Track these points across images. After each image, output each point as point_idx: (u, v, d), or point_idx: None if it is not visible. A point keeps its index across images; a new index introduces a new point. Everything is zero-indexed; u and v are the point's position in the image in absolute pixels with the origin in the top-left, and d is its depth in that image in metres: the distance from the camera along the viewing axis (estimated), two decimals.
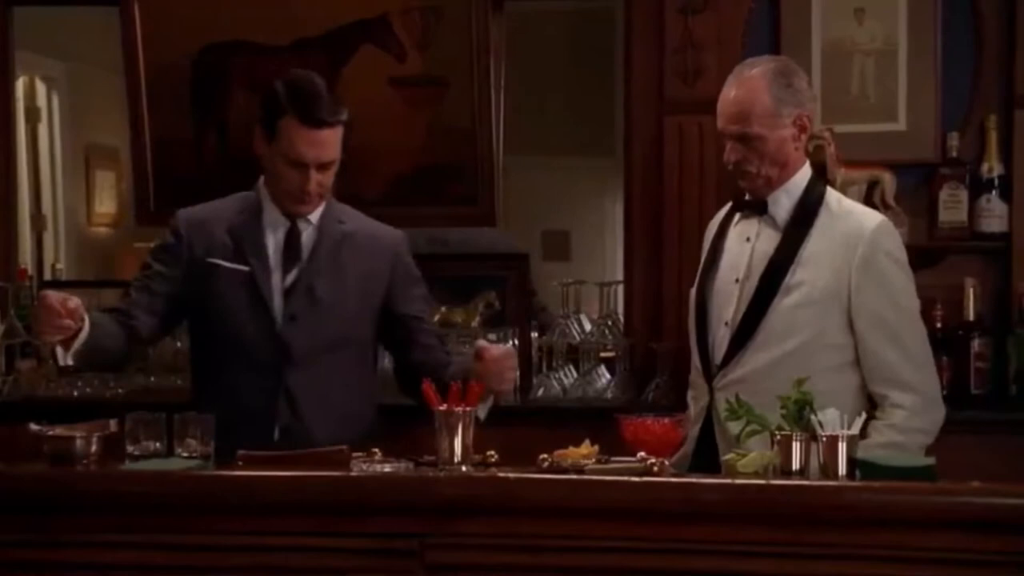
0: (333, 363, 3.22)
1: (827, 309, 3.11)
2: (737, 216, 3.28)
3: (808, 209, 3.18)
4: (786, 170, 3.18)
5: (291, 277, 3.23)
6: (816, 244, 3.14)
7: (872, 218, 3.19)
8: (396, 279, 3.32)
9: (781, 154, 3.15)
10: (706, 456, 3.11)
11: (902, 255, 3.17)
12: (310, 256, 3.24)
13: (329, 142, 3.14)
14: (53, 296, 2.93)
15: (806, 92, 3.20)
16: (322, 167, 3.15)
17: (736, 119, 3.13)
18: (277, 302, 3.22)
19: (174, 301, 3.27)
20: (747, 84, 3.15)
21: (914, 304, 3.17)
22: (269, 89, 3.22)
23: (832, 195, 3.24)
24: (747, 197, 3.24)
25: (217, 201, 3.35)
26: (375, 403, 3.38)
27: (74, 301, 2.94)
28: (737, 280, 3.20)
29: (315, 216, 3.26)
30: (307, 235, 3.26)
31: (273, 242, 3.25)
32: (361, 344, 3.32)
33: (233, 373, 3.22)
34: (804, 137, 3.19)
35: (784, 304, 3.12)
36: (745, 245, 3.22)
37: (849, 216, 3.17)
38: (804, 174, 3.22)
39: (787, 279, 3.13)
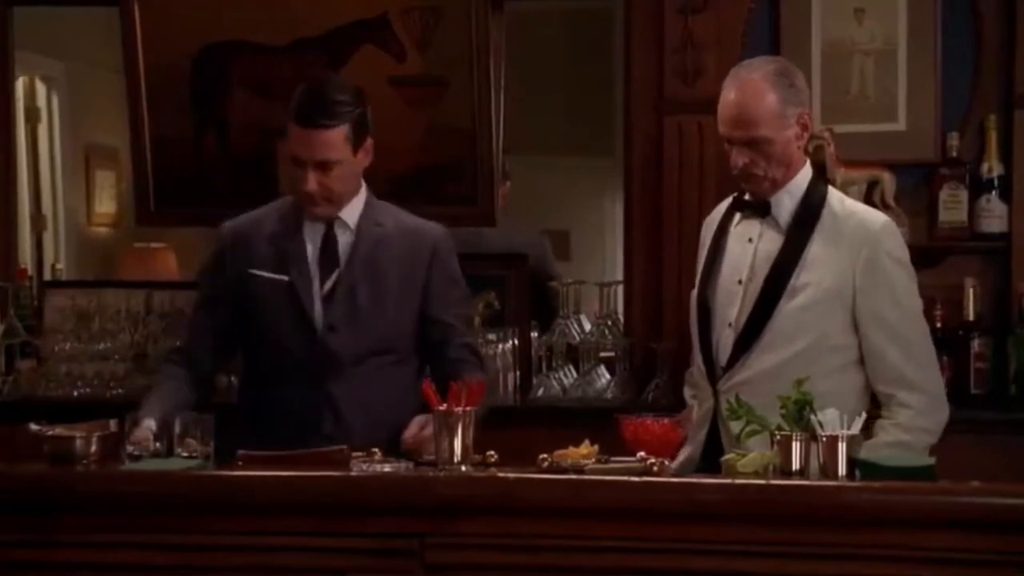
0: (376, 370, 3.21)
1: (831, 310, 3.11)
2: (738, 216, 3.27)
3: (811, 210, 3.17)
4: (790, 171, 3.18)
5: (329, 283, 3.22)
6: (820, 245, 3.14)
7: (876, 219, 3.19)
8: (432, 279, 3.27)
9: (787, 155, 3.15)
10: (713, 459, 3.09)
11: (905, 256, 3.17)
12: (348, 261, 3.23)
13: (323, 143, 3.13)
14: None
15: (805, 91, 3.20)
16: (320, 168, 3.14)
17: (742, 123, 3.11)
18: (317, 310, 3.21)
19: (231, 326, 3.30)
20: (750, 87, 3.13)
21: (917, 304, 3.18)
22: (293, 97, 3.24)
23: (834, 195, 3.23)
24: (748, 197, 3.24)
25: (261, 209, 3.36)
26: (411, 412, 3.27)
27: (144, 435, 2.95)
28: (740, 281, 3.19)
29: (352, 219, 3.25)
30: (344, 239, 3.25)
31: (312, 248, 3.25)
32: (404, 349, 3.28)
33: (278, 381, 3.22)
34: (806, 136, 3.19)
35: (790, 306, 3.12)
36: (747, 246, 3.21)
37: (852, 217, 3.17)
38: (805, 174, 3.21)
39: (792, 281, 3.13)
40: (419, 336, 3.29)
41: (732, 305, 3.19)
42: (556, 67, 6.96)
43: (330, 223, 3.24)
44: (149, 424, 2.96)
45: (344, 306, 3.21)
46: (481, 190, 4.42)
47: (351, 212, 3.26)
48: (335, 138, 3.14)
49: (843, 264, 3.11)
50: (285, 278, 3.22)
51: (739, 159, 3.14)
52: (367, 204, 3.28)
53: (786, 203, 3.19)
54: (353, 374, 3.19)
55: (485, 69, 4.36)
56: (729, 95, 3.14)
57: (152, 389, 3.26)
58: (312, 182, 3.15)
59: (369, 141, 3.23)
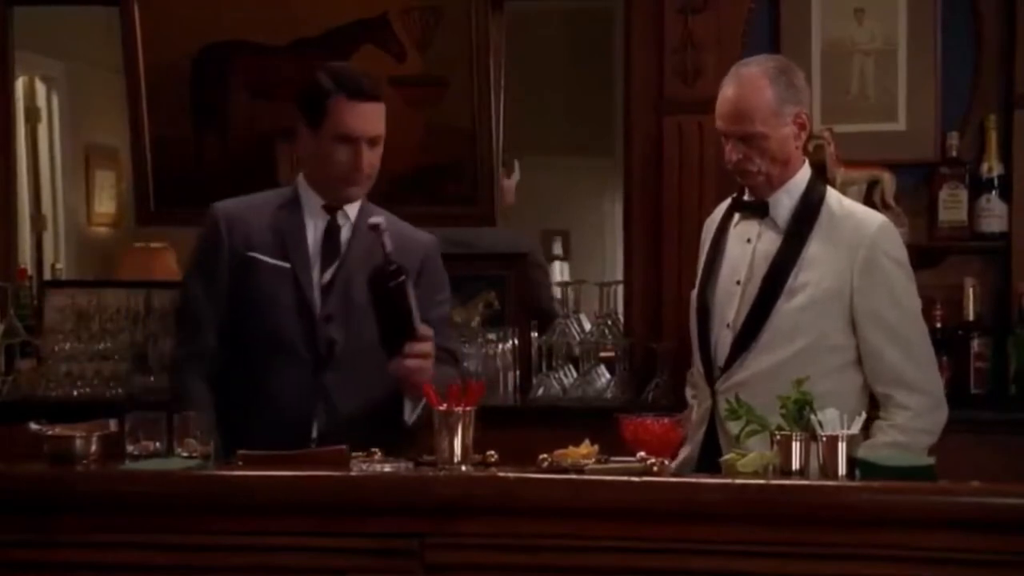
0: (370, 364, 3.17)
1: (829, 310, 3.11)
2: (736, 217, 3.27)
3: (809, 210, 3.17)
4: (787, 169, 3.18)
5: (329, 274, 3.21)
6: (818, 246, 3.14)
7: (874, 219, 3.19)
8: (423, 284, 3.26)
9: (783, 152, 3.15)
10: (711, 459, 3.09)
11: (903, 256, 3.17)
12: (346, 255, 3.22)
13: (376, 116, 3.15)
14: None
15: (804, 90, 3.20)
16: (371, 143, 3.15)
17: (738, 119, 3.12)
18: (316, 299, 3.20)
19: (228, 310, 3.23)
20: (748, 83, 3.13)
21: (916, 304, 3.17)
22: (310, 82, 3.20)
23: (833, 195, 3.23)
24: (747, 197, 3.24)
25: (253, 195, 3.33)
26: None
27: None
28: (739, 282, 3.19)
29: (352, 213, 3.24)
30: (345, 232, 3.24)
31: (313, 237, 3.23)
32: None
33: (269, 371, 3.18)
34: (803, 135, 3.18)
35: (788, 307, 3.12)
36: (746, 246, 3.21)
37: (851, 217, 3.17)
38: (804, 174, 3.21)
39: (790, 281, 3.13)
40: None
41: (730, 305, 3.19)
42: (556, 67, 6.97)
43: (334, 213, 3.23)
44: None
45: (341, 298, 3.20)
46: (481, 190, 4.42)
47: (352, 205, 3.25)
48: (382, 113, 3.17)
49: (841, 264, 3.11)
50: (287, 265, 3.20)
51: (733, 154, 3.15)
52: (363, 201, 3.28)
53: (785, 203, 3.19)
54: (347, 366, 3.18)
55: (485, 69, 4.36)
56: (727, 90, 3.15)
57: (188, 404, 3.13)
58: (366, 158, 3.14)
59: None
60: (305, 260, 3.21)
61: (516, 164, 5.05)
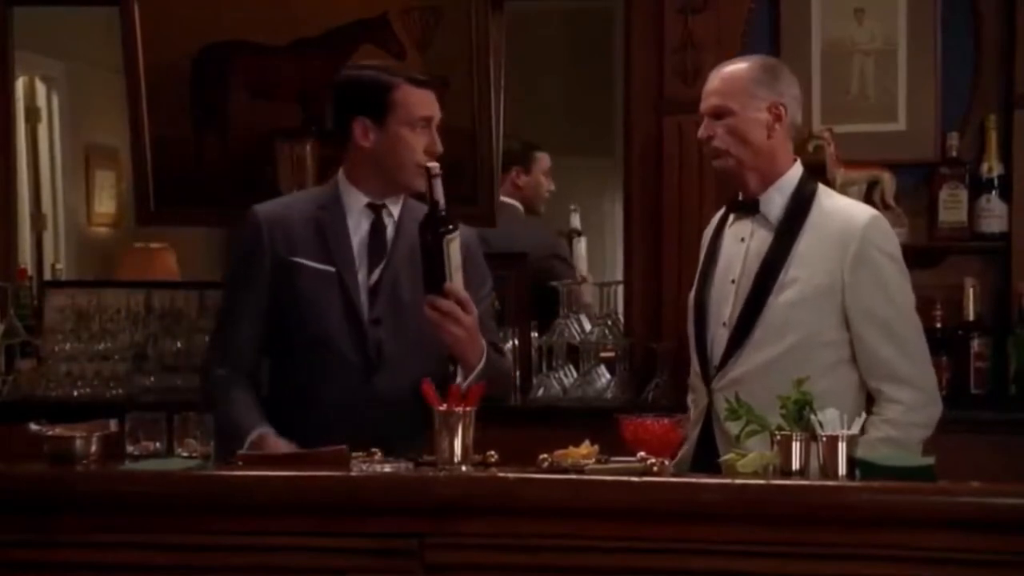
0: (420, 366, 3.09)
1: (821, 306, 3.11)
2: (731, 217, 3.28)
3: (800, 206, 3.18)
4: (767, 161, 3.17)
5: (376, 274, 3.18)
6: (808, 241, 3.14)
7: (864, 213, 3.19)
8: (465, 277, 3.20)
9: (750, 135, 3.15)
10: (706, 458, 3.10)
11: (895, 250, 3.16)
12: (391, 254, 3.19)
13: (437, 101, 3.21)
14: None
15: (789, 89, 3.21)
16: (437, 129, 3.19)
17: (710, 93, 3.20)
18: (363, 301, 3.17)
19: (269, 320, 3.20)
20: (730, 64, 3.23)
21: (909, 299, 3.17)
22: (361, 79, 3.22)
23: (824, 192, 3.24)
24: (740, 197, 3.25)
25: (290, 196, 3.36)
26: None
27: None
28: (733, 281, 3.20)
29: (396, 211, 3.22)
30: (389, 229, 3.22)
31: (357, 237, 3.20)
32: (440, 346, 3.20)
33: (319, 376, 3.14)
34: (780, 127, 3.17)
35: (778, 302, 3.12)
36: (740, 245, 3.22)
37: (841, 212, 3.18)
38: (796, 172, 3.22)
39: (781, 277, 3.13)
40: None
41: (726, 304, 3.19)
42: (556, 67, 6.96)
43: (378, 211, 3.21)
44: (267, 430, 3.02)
45: (388, 299, 3.17)
46: (481, 190, 4.42)
47: (395, 203, 3.23)
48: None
49: (832, 259, 3.11)
50: (332, 269, 3.16)
51: (704, 131, 3.20)
52: (405, 197, 3.25)
53: (776, 201, 3.20)
54: (397, 367, 3.14)
55: (485, 69, 4.36)
56: (713, 72, 3.24)
57: (225, 407, 3.13)
58: (439, 141, 3.17)
59: None
60: (350, 262, 3.18)
61: (536, 155, 5.08)
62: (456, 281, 3.03)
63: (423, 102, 3.17)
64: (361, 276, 3.18)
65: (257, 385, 3.24)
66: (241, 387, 3.19)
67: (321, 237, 3.18)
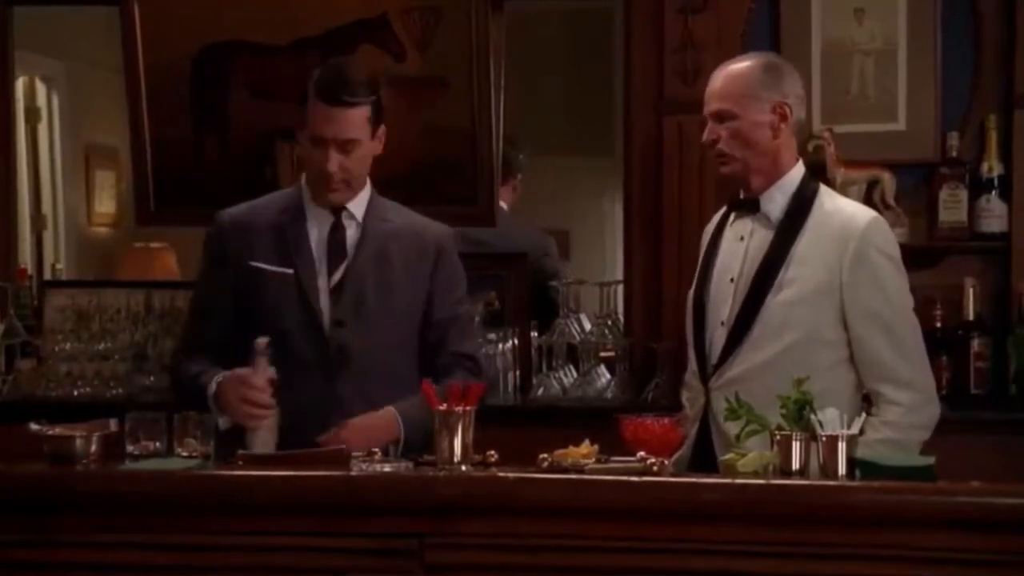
0: (384, 368, 3.15)
1: (820, 306, 3.11)
2: (732, 216, 3.28)
3: (801, 207, 3.17)
4: (770, 162, 3.16)
5: (337, 276, 3.17)
6: (808, 241, 3.14)
7: (864, 215, 3.18)
8: (437, 279, 3.24)
9: (756, 138, 3.14)
10: (703, 457, 3.11)
11: (894, 251, 3.16)
12: (355, 255, 3.18)
13: (347, 121, 3.10)
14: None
15: (793, 85, 3.20)
16: (342, 147, 3.11)
17: (715, 96, 3.17)
18: (324, 303, 3.16)
19: (232, 327, 3.20)
20: (733, 64, 3.20)
21: (907, 300, 3.16)
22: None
23: (825, 192, 3.23)
24: (741, 196, 3.24)
25: (259, 200, 3.31)
26: None
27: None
28: (732, 279, 3.20)
29: (359, 212, 3.21)
30: (351, 232, 3.21)
31: (316, 239, 3.19)
32: (409, 349, 3.23)
33: (282, 382, 3.10)
34: (785, 127, 3.17)
35: (777, 301, 3.12)
36: (739, 244, 3.22)
37: (841, 213, 3.17)
38: (797, 172, 3.22)
39: (780, 276, 3.13)
40: (419, 337, 3.26)
41: (724, 303, 3.19)
42: (556, 67, 6.96)
43: (338, 213, 3.20)
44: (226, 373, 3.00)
45: (352, 301, 3.16)
46: (481, 190, 4.42)
47: (358, 205, 3.22)
48: (358, 117, 3.12)
49: (831, 259, 3.10)
50: (290, 271, 3.16)
51: (708, 135, 3.18)
52: (372, 198, 3.25)
53: (778, 200, 3.19)
54: (361, 372, 3.14)
55: (485, 69, 4.36)
56: (716, 75, 3.21)
57: (188, 378, 3.16)
58: (334, 162, 3.10)
59: (383, 128, 3.20)
60: (309, 264, 3.17)
61: (520, 158, 5.07)
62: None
63: (326, 121, 3.10)
64: (322, 278, 3.18)
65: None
66: (204, 365, 3.17)
67: (281, 241, 3.19)
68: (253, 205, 3.30)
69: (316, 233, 3.20)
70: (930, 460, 2.70)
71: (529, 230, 5.01)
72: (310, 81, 3.16)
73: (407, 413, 3.08)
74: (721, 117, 3.15)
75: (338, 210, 3.21)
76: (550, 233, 5.26)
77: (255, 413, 3.00)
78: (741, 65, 3.19)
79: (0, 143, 4.60)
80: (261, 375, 3.01)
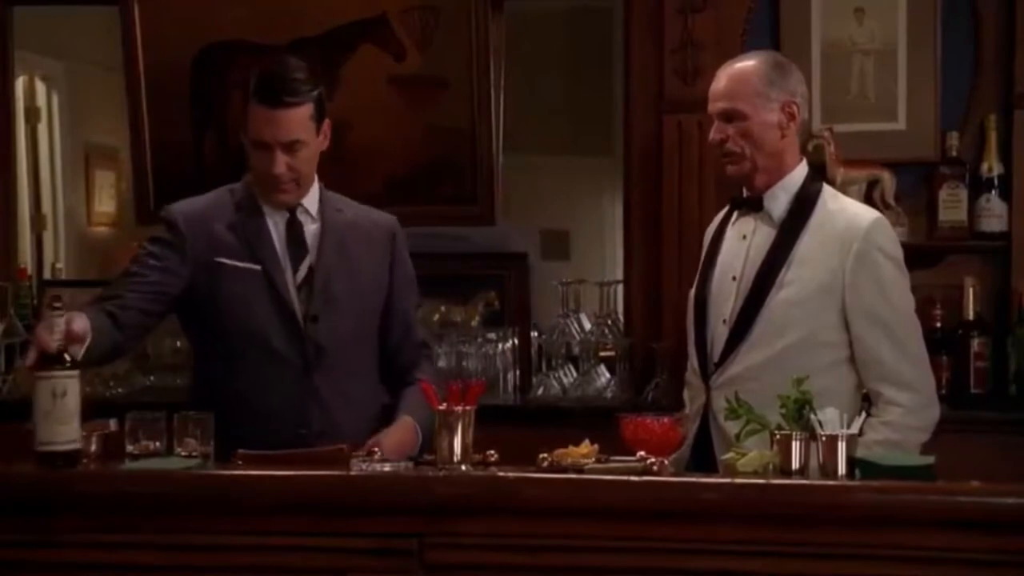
0: (355, 360, 3.17)
1: (821, 306, 3.10)
2: (735, 215, 3.28)
3: (804, 206, 3.17)
4: (776, 161, 3.17)
5: (302, 271, 3.16)
6: (811, 241, 3.14)
7: (867, 215, 3.18)
8: (395, 267, 3.25)
9: (766, 138, 3.14)
10: (703, 456, 3.11)
11: (897, 252, 3.16)
12: (319, 249, 3.18)
13: (288, 121, 3.05)
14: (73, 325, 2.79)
15: (799, 84, 3.19)
16: (288, 149, 3.07)
17: (722, 95, 3.15)
18: (293, 299, 3.15)
19: (170, 301, 3.15)
20: (740, 63, 3.18)
21: (909, 301, 3.16)
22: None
23: (828, 192, 3.23)
24: (744, 194, 3.24)
25: (207, 195, 3.25)
26: (384, 398, 3.30)
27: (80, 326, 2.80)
28: (734, 278, 3.20)
29: (313, 207, 3.20)
30: (309, 227, 3.19)
31: (277, 236, 3.18)
32: (374, 337, 3.25)
33: (258, 375, 3.12)
34: (793, 126, 3.16)
35: (778, 300, 3.12)
36: (742, 243, 3.22)
37: (844, 213, 3.17)
38: (801, 171, 3.21)
39: (781, 275, 3.13)
40: (379, 327, 3.26)
41: (726, 302, 3.19)
42: (556, 67, 6.95)
43: (293, 210, 3.18)
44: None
45: (322, 295, 3.15)
46: (480, 190, 4.42)
47: (311, 199, 3.20)
48: (301, 117, 3.07)
49: (833, 259, 3.10)
50: (257, 267, 3.14)
51: (716, 134, 3.16)
52: (322, 192, 3.23)
53: (781, 199, 3.19)
54: (335, 365, 3.14)
55: (485, 69, 4.36)
56: (720, 74, 3.19)
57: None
58: (281, 164, 3.06)
59: (327, 122, 3.15)
60: (275, 260, 3.16)
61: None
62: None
63: (268, 124, 3.05)
64: (288, 274, 3.16)
65: (121, 342, 3.07)
66: (102, 318, 3.00)
67: (243, 237, 3.16)
68: (204, 201, 3.24)
69: (275, 230, 3.18)
70: (930, 460, 2.69)
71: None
72: (255, 77, 3.10)
73: (419, 417, 3.10)
74: (729, 117, 3.14)
75: (293, 207, 3.18)
76: (550, 233, 5.25)
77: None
78: (747, 64, 3.17)
79: (0, 143, 4.60)
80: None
